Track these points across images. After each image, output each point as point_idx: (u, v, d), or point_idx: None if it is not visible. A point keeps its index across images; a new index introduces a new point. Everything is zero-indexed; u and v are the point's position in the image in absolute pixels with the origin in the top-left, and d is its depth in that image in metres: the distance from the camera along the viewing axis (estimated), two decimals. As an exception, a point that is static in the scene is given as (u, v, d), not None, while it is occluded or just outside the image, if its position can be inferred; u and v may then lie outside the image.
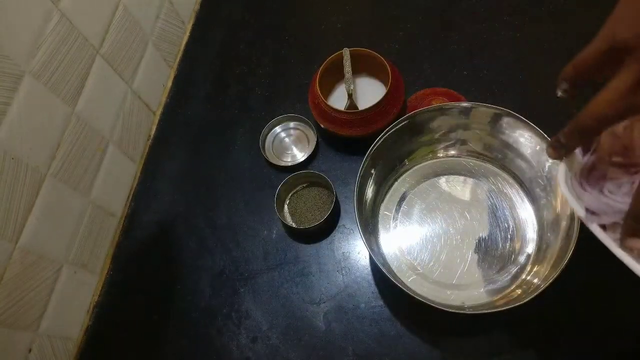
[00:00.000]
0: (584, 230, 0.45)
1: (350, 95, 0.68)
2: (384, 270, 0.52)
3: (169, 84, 0.86)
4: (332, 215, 0.64)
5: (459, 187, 0.64)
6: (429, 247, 0.61)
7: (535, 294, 0.47)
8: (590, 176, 0.41)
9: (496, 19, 0.79)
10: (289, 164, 0.72)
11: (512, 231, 0.60)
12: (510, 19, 0.78)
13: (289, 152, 0.74)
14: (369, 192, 0.62)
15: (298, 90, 0.78)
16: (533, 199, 0.60)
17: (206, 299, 0.65)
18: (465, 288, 0.57)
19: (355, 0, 0.87)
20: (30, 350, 0.58)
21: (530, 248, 0.58)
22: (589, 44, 0.36)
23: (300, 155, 0.73)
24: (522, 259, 0.58)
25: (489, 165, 0.64)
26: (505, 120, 0.58)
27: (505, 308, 0.48)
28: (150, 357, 0.64)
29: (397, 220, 0.63)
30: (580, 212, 0.39)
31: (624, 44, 0.33)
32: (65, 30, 0.61)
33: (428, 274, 0.59)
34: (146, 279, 0.70)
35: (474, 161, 0.65)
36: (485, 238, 0.60)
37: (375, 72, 0.72)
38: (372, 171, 0.61)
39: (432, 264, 0.59)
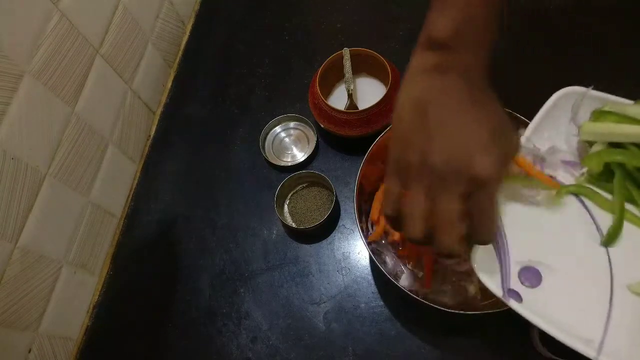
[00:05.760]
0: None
1: (350, 95, 0.68)
2: (384, 270, 0.52)
3: (169, 84, 0.86)
4: (332, 215, 0.64)
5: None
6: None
7: (535, 294, 0.47)
8: None
9: (496, 19, 0.78)
10: (289, 164, 0.72)
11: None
12: (510, 18, 0.78)
13: (289, 152, 0.74)
14: (369, 192, 0.61)
15: (298, 90, 0.78)
16: (533, 199, 0.60)
17: (206, 299, 0.65)
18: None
19: (355, 0, 0.87)
20: (30, 351, 0.58)
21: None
22: (385, 183, 0.37)
23: (300, 155, 0.73)
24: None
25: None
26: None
27: (505, 308, 0.48)
28: (150, 357, 0.64)
29: (397, 220, 0.63)
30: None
31: (406, 165, 0.34)
32: (65, 30, 0.61)
33: (428, 274, 0.59)
34: (146, 279, 0.70)
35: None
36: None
37: (375, 72, 0.72)
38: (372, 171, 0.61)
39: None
